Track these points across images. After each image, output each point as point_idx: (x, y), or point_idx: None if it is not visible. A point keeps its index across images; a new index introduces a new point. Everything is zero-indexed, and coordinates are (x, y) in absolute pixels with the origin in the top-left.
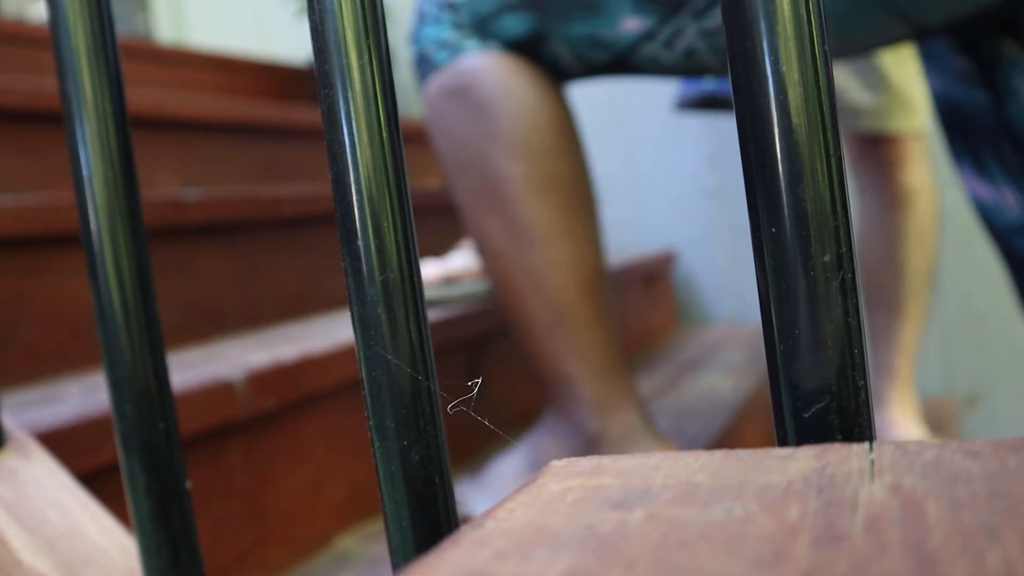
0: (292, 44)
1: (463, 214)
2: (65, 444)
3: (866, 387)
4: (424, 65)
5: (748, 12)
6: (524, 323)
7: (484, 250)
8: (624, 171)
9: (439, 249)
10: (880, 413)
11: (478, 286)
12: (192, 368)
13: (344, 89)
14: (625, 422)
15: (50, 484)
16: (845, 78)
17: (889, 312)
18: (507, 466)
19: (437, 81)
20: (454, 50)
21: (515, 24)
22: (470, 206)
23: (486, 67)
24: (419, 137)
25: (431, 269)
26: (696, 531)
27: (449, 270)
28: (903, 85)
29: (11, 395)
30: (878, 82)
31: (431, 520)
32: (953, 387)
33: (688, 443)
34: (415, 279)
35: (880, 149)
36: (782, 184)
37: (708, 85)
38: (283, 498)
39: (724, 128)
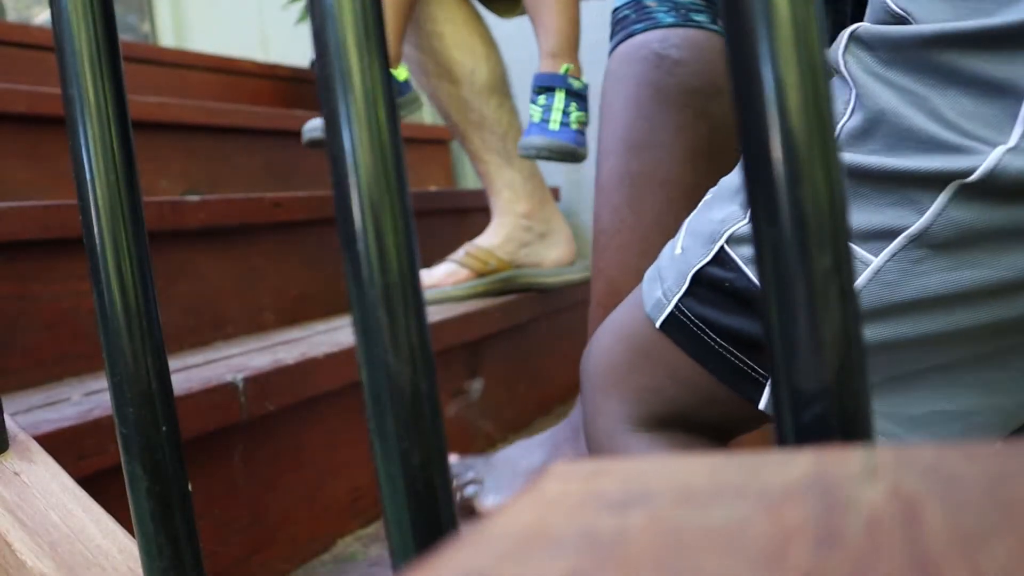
0: (293, 52)
1: (600, 189)
2: (67, 447)
3: (865, 389)
4: (639, 15)
5: (747, 15)
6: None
7: (602, 237)
8: None
9: (440, 252)
10: None
11: (456, 290)
12: (194, 371)
13: (345, 93)
14: None
15: (52, 486)
16: None
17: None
18: (522, 458)
19: (649, 41)
20: (685, 17)
21: None
22: (616, 188)
23: (717, 51)
24: (420, 140)
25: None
26: (696, 533)
27: (432, 277)
28: None
29: (14, 398)
30: None
31: (432, 522)
32: None
33: None
34: (415, 283)
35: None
36: (781, 187)
37: (555, 133)
38: (284, 500)
39: None
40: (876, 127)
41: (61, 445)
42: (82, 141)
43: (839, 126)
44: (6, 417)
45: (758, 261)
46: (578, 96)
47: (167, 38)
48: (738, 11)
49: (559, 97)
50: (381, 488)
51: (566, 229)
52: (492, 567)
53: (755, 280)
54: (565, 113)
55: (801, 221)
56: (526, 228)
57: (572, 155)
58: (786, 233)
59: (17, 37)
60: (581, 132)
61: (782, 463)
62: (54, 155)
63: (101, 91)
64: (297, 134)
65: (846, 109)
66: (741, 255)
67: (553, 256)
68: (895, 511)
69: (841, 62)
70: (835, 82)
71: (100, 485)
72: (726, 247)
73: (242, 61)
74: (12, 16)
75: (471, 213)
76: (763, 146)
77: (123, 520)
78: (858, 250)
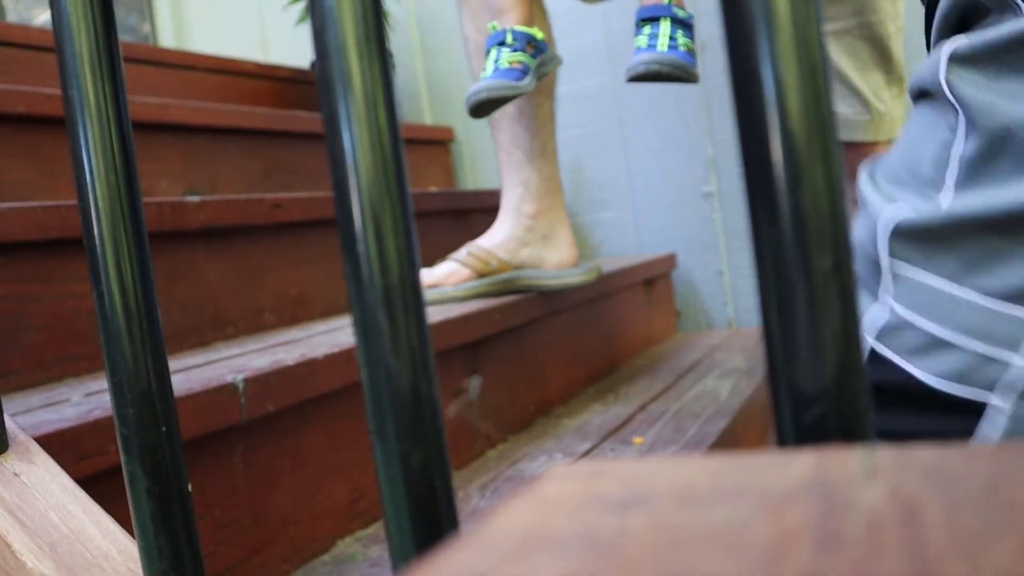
0: (293, 52)
1: None
2: (67, 447)
3: (865, 390)
4: None
5: (747, 15)
6: None
7: None
8: (623, 175)
9: (440, 252)
10: None
11: (457, 290)
12: (194, 371)
13: (345, 94)
14: None
15: (52, 487)
16: None
17: None
18: None
19: None
20: None
21: None
22: None
23: None
24: (420, 141)
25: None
26: (696, 535)
27: (434, 276)
28: (871, 95)
29: (14, 398)
30: (847, 94)
31: (432, 523)
32: None
33: (688, 446)
34: (415, 284)
35: (848, 158)
36: (781, 189)
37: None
38: (284, 501)
39: (724, 132)
40: (1001, 147)
41: (61, 446)
42: (82, 142)
43: (955, 157)
44: (6, 418)
45: (758, 261)
46: (684, 24)
47: (167, 39)
48: (738, 11)
49: (664, 24)
50: (381, 489)
51: (570, 233)
52: (492, 568)
53: (912, 370)
54: (672, 38)
55: (801, 222)
56: (529, 228)
57: (684, 71)
58: (786, 234)
59: (17, 38)
60: (691, 54)
61: (782, 464)
62: (54, 155)
63: (101, 92)
64: (297, 135)
65: (954, 135)
66: (894, 348)
67: (555, 258)
68: (895, 512)
69: (944, 86)
70: (929, 105)
71: (100, 486)
72: (877, 345)
73: (242, 62)
74: (12, 17)
75: (471, 214)
76: (763, 147)
77: (123, 521)
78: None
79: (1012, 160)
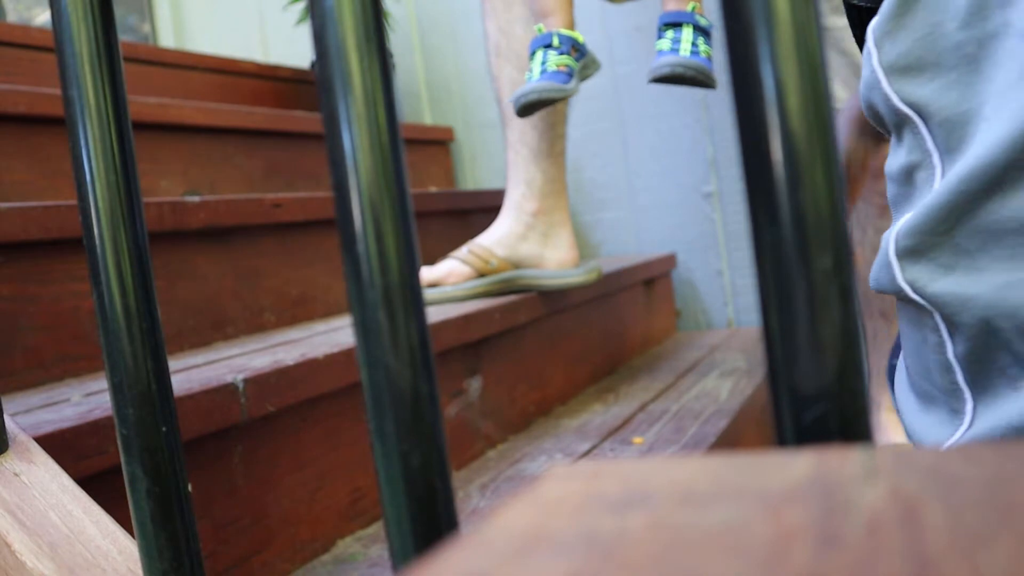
0: (293, 53)
1: None
2: (67, 447)
3: (865, 391)
4: None
5: (747, 15)
6: None
7: None
8: (623, 175)
9: (440, 252)
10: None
11: (457, 290)
12: (194, 371)
13: (345, 94)
14: None
15: (52, 487)
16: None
17: (881, 318)
18: None
19: None
20: None
21: None
22: None
23: None
24: (420, 141)
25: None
26: (696, 535)
27: (435, 274)
28: None
29: (14, 398)
30: None
31: (432, 523)
32: None
33: (688, 446)
34: (415, 284)
35: (867, 157)
36: (781, 189)
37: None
38: (284, 501)
39: (724, 132)
40: (992, 343)
41: (61, 446)
42: (82, 141)
43: (954, 360)
44: (6, 418)
45: (758, 261)
46: (705, 32)
47: (167, 39)
48: (738, 11)
49: (687, 30)
50: (381, 489)
51: (571, 234)
52: (492, 568)
53: None
54: (694, 44)
55: (801, 222)
56: (529, 226)
57: (706, 75)
58: (786, 233)
59: (17, 38)
60: (711, 61)
61: (782, 464)
62: (54, 155)
63: (101, 92)
64: (297, 135)
65: (940, 336)
66: None
67: (555, 258)
68: (895, 513)
69: (908, 290)
70: (906, 307)
71: (100, 486)
72: None
73: (242, 62)
74: (12, 17)
75: (471, 214)
76: (763, 147)
77: (123, 521)
78: None
79: (1010, 357)
